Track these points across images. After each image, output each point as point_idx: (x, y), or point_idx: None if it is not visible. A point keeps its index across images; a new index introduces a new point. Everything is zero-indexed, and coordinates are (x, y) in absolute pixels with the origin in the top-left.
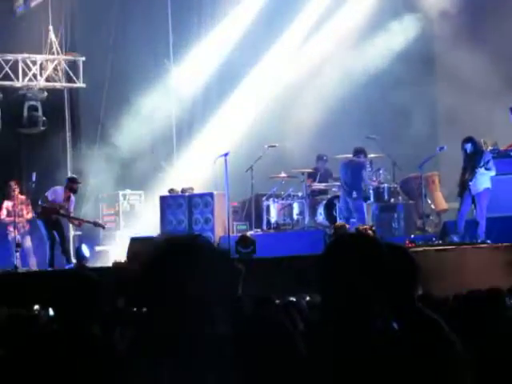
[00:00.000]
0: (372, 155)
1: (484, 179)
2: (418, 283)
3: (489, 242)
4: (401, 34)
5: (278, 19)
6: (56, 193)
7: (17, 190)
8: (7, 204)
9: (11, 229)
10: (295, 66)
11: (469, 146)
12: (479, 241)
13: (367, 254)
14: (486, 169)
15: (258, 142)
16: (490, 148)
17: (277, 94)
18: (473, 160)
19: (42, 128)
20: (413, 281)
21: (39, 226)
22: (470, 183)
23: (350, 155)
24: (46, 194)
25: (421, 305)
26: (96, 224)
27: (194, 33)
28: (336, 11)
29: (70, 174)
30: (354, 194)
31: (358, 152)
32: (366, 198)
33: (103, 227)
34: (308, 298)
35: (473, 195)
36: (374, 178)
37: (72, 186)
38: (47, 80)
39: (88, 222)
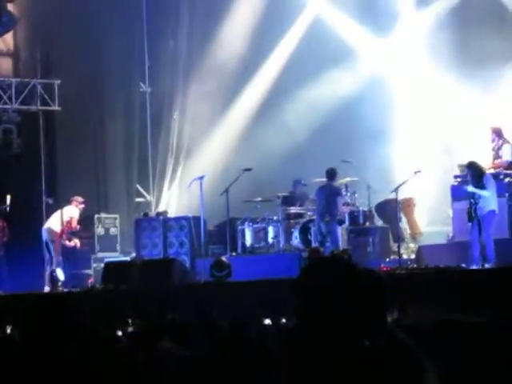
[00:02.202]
0: (347, 179)
1: (489, 202)
2: (390, 308)
3: (463, 266)
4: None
5: (254, 49)
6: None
7: None
8: None
9: None
10: (271, 88)
11: (470, 170)
12: (489, 264)
13: (341, 278)
14: (478, 187)
15: (233, 165)
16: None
17: (252, 116)
18: (472, 183)
19: (17, 151)
20: (385, 305)
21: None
22: (477, 206)
23: (325, 179)
24: (73, 215)
25: (396, 328)
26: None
27: (169, 56)
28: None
29: (78, 197)
30: (327, 217)
31: (332, 174)
32: (341, 222)
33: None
34: (284, 321)
35: (479, 218)
36: (349, 202)
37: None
38: (22, 103)
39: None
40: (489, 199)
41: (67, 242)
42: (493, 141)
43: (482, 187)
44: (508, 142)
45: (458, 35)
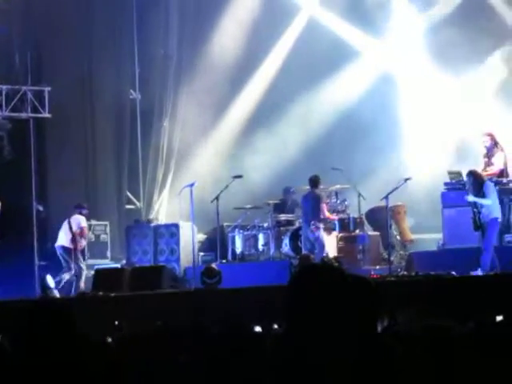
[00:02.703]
0: (337, 186)
1: (491, 209)
2: (380, 314)
3: (453, 273)
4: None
5: (246, 55)
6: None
7: None
8: None
9: None
10: (264, 94)
11: (470, 179)
12: (482, 271)
13: (331, 285)
14: (478, 196)
15: (224, 172)
16: (455, 179)
17: (243, 122)
18: (473, 191)
19: (8, 158)
20: (375, 312)
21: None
22: (480, 215)
23: (322, 186)
24: (83, 225)
25: (384, 335)
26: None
27: (159, 64)
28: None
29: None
30: (312, 225)
31: (315, 182)
32: (332, 229)
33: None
34: (275, 326)
35: (483, 226)
36: (340, 209)
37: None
38: (13, 110)
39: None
40: (491, 207)
41: (79, 247)
42: (489, 147)
43: (483, 196)
44: (502, 149)
45: (453, 33)
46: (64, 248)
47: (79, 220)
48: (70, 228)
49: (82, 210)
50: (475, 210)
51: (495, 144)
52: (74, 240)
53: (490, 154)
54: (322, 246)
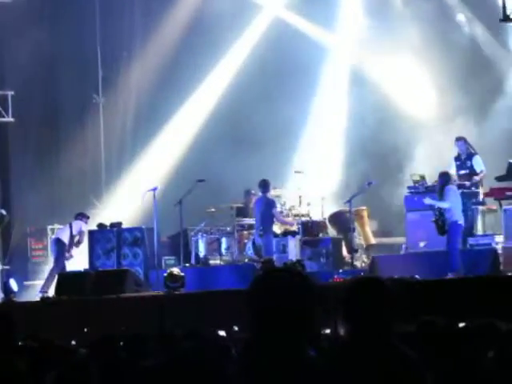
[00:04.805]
0: (300, 189)
1: (452, 213)
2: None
3: (417, 277)
4: None
5: (202, 60)
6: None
7: None
8: None
9: None
10: (222, 99)
11: (440, 180)
12: (452, 274)
13: (293, 288)
14: (438, 198)
15: (186, 176)
16: (419, 183)
17: (203, 128)
18: (437, 194)
19: None
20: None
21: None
22: (443, 218)
23: (283, 190)
24: (84, 229)
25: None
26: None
27: (123, 68)
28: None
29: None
30: (260, 231)
31: (265, 186)
32: (294, 233)
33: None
34: (236, 329)
35: (447, 229)
36: (303, 213)
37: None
38: None
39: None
40: (452, 211)
41: (67, 254)
42: (464, 150)
43: (441, 199)
44: (476, 152)
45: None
46: (59, 241)
47: (80, 225)
48: (71, 231)
49: (83, 218)
50: (437, 213)
51: (469, 148)
52: (70, 242)
53: (464, 157)
54: (271, 253)
